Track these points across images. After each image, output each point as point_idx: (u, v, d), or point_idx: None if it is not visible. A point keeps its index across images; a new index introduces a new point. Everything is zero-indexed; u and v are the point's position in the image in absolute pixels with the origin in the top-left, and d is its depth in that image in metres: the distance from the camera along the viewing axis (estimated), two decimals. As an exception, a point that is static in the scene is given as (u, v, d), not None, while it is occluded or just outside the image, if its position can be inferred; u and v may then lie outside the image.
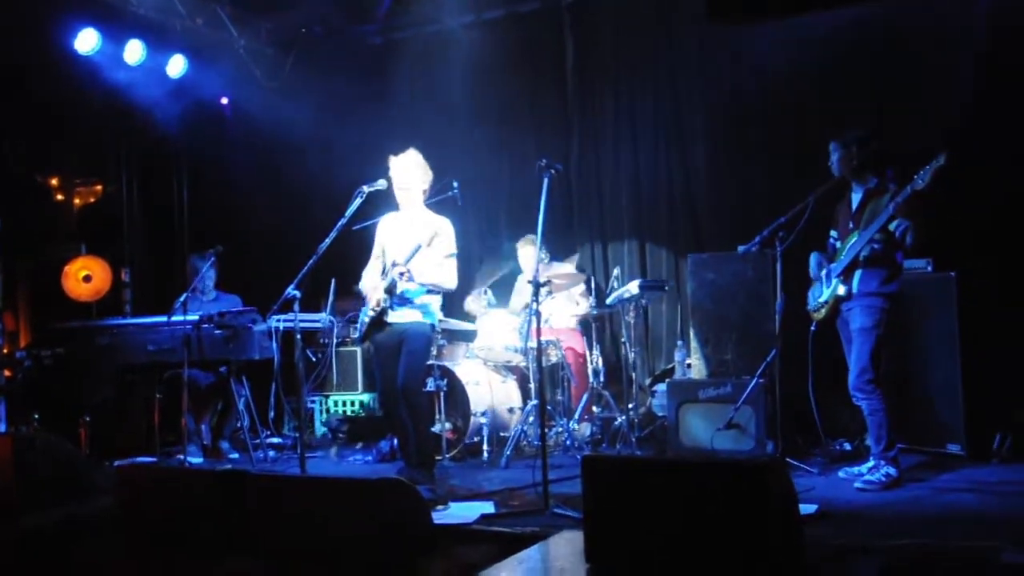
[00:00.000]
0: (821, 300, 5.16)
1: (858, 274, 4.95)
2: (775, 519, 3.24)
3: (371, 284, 5.42)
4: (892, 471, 4.87)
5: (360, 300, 7.47)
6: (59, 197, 9.03)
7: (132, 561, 4.29)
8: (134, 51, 7.42)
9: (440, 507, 4.68)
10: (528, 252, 6.82)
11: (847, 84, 6.44)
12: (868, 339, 4.90)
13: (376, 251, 5.50)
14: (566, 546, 3.76)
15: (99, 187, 9.04)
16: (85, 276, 8.00)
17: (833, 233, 5.21)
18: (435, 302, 5.40)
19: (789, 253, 4.85)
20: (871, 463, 4.98)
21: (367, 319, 5.31)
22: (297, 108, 8.13)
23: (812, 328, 5.26)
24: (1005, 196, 5.80)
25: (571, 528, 4.08)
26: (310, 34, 8.61)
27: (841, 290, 5.00)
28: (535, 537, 4.01)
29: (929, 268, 5.80)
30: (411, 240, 5.15)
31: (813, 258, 5.25)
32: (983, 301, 5.64)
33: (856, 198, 5.10)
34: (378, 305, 5.21)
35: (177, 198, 9.01)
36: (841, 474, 5.17)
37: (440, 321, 5.57)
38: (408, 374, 5.20)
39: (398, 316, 5.24)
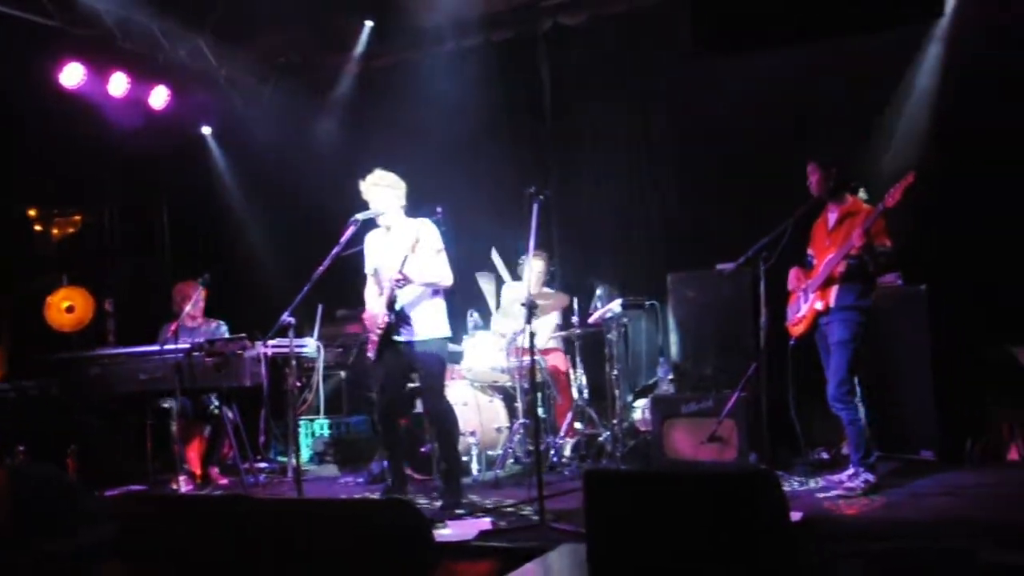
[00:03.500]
0: (799, 315, 5.36)
1: (835, 289, 5.15)
2: (770, 526, 3.41)
3: (373, 303, 5.55)
4: (871, 478, 5.07)
5: (343, 324, 7.66)
6: (37, 228, 9.06)
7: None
8: (118, 84, 7.51)
9: (439, 525, 4.80)
10: (537, 265, 6.98)
11: (820, 108, 6.64)
12: (846, 352, 5.09)
13: (368, 269, 5.64)
14: (567, 559, 3.89)
15: (78, 217, 9.07)
16: (68, 307, 8.01)
17: (810, 251, 5.42)
18: (437, 313, 5.48)
19: (770, 272, 5.04)
20: (850, 471, 5.17)
21: (376, 337, 5.42)
22: (277, 136, 8.27)
23: (791, 342, 5.45)
24: (971, 212, 6.05)
25: (569, 542, 4.22)
26: (289, 63, 8.75)
27: (819, 305, 5.20)
28: (534, 552, 4.12)
29: (899, 282, 6.03)
30: (398, 252, 5.30)
31: (792, 274, 5.45)
32: (952, 313, 5.89)
33: (832, 217, 5.31)
34: (384, 323, 5.33)
35: (159, 227, 9.07)
36: (822, 482, 5.35)
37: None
38: (431, 398, 5.46)
39: (405, 335, 5.36)
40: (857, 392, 5.14)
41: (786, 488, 5.24)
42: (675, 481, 3.66)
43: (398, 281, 5.22)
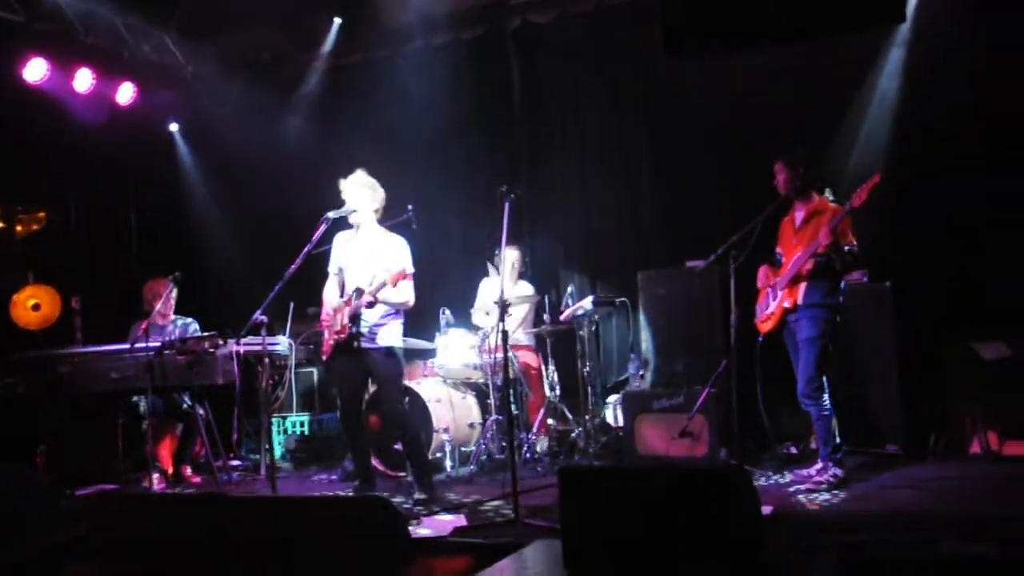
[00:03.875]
0: (768, 312, 5.45)
1: (803, 287, 5.24)
2: (743, 521, 3.48)
3: (332, 304, 5.58)
4: (839, 472, 5.18)
5: (313, 321, 7.64)
6: (1, 225, 8.93)
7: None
8: (83, 79, 7.43)
9: (413, 522, 4.83)
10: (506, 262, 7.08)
11: (788, 109, 6.74)
12: (814, 348, 5.18)
13: (332, 268, 5.67)
14: (542, 554, 3.92)
15: (42, 214, 8.95)
16: (34, 305, 7.92)
17: (779, 250, 5.51)
18: (397, 331, 5.58)
19: (739, 270, 5.12)
20: (819, 465, 5.27)
21: (333, 340, 5.46)
22: (246, 132, 8.22)
23: (760, 339, 5.54)
24: (935, 212, 6.19)
25: (544, 537, 4.27)
26: (257, 61, 8.70)
27: (787, 303, 5.29)
28: (510, 547, 4.16)
29: (865, 279, 6.15)
30: (372, 261, 5.39)
31: (761, 272, 5.55)
32: (916, 310, 6.03)
33: (799, 216, 5.39)
34: (344, 331, 5.37)
35: (125, 224, 8.99)
36: (791, 476, 5.46)
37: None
38: (389, 402, 5.55)
39: (365, 342, 5.41)
40: (825, 388, 5.22)
41: (756, 482, 5.32)
42: (649, 477, 3.73)
43: (369, 304, 5.29)
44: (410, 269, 5.42)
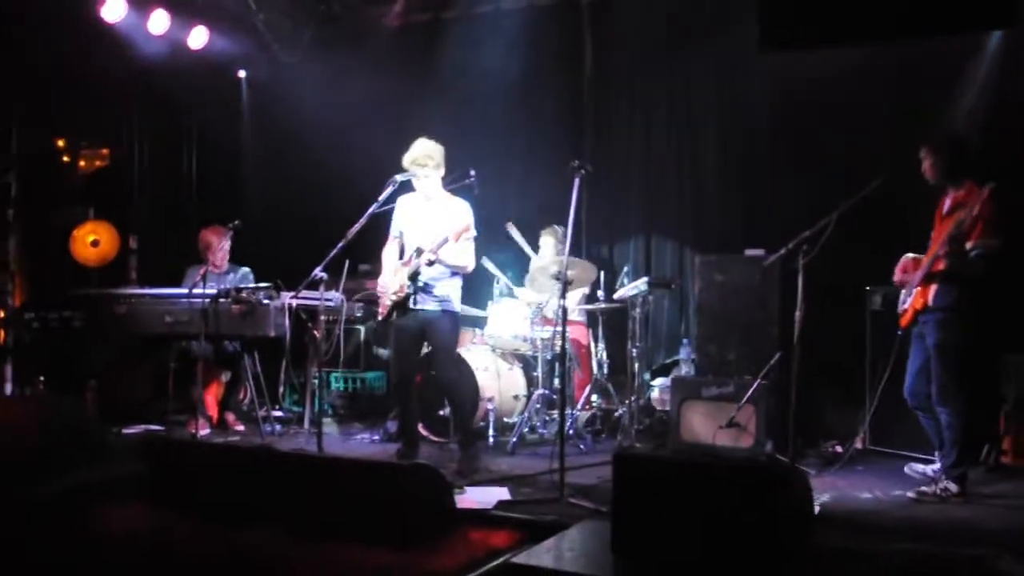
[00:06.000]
0: (902, 307, 5.09)
1: (933, 288, 4.89)
2: (795, 521, 3.45)
3: (391, 267, 5.58)
4: (952, 487, 4.89)
5: (363, 278, 7.66)
6: (65, 159, 9.04)
7: (159, 527, 4.39)
8: (159, 21, 7.45)
9: (457, 491, 4.84)
10: (548, 242, 7.05)
11: (870, 107, 6.55)
12: (944, 355, 4.87)
13: (394, 232, 5.66)
14: (590, 536, 3.93)
15: (105, 151, 9.04)
16: (93, 241, 8.05)
17: (933, 238, 5.08)
18: (456, 291, 5.56)
19: (808, 265, 4.92)
20: (934, 471, 5.03)
21: (389, 302, 5.47)
22: (313, 85, 8.22)
23: (898, 332, 5.18)
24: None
25: (589, 518, 4.27)
26: (327, 12, 8.65)
27: (919, 302, 4.97)
28: (555, 525, 4.16)
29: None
30: (434, 225, 5.37)
31: (900, 263, 5.17)
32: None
33: (947, 204, 5.00)
34: (402, 291, 5.37)
35: (187, 168, 9.07)
36: (907, 469, 5.28)
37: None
38: (446, 366, 5.56)
39: (422, 304, 5.41)
40: (959, 396, 4.87)
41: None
42: (705, 470, 3.69)
43: (430, 262, 5.27)
44: (473, 230, 5.39)
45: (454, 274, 5.53)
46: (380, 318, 5.67)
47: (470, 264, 5.53)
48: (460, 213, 5.46)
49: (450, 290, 5.51)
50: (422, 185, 5.50)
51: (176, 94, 8.39)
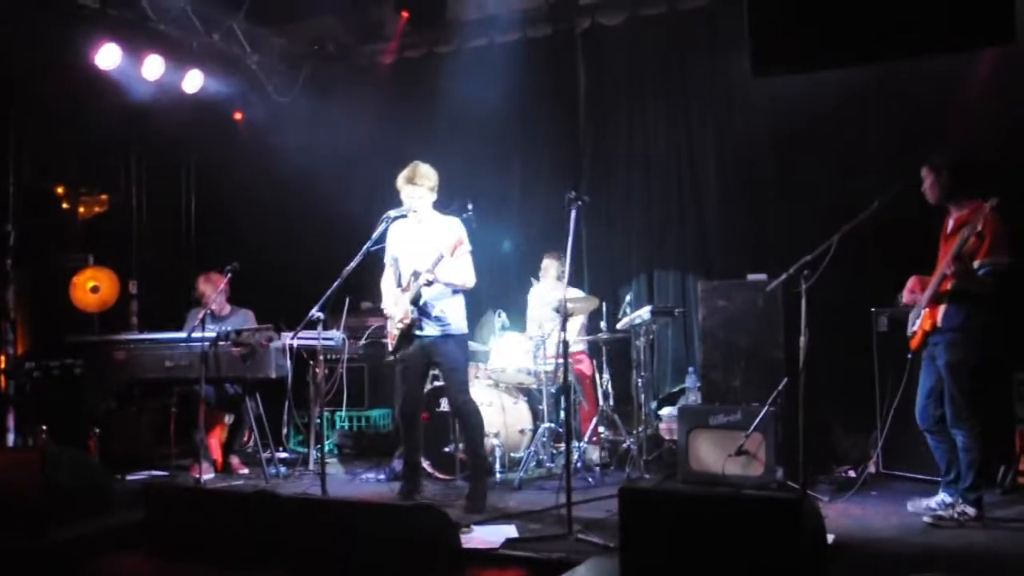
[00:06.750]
0: (911, 329, 5.02)
1: (942, 308, 4.82)
2: (808, 553, 3.36)
3: (391, 295, 5.54)
4: (970, 510, 4.80)
5: (366, 316, 7.62)
6: (64, 206, 9.04)
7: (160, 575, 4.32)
8: (153, 66, 7.47)
9: (464, 530, 4.76)
10: (551, 265, 7.01)
11: (869, 128, 6.55)
12: (956, 376, 4.79)
13: (388, 259, 5.62)
14: (599, 573, 3.84)
15: (104, 197, 9.05)
16: (93, 287, 8.02)
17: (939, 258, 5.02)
18: (457, 310, 5.50)
19: (810, 290, 4.86)
20: (944, 498, 4.91)
21: (396, 331, 5.42)
22: (308, 124, 8.23)
23: (909, 355, 5.11)
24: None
25: (597, 555, 4.18)
26: (322, 52, 8.69)
27: (928, 324, 4.90)
28: (563, 564, 4.08)
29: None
30: (426, 245, 5.33)
31: (908, 284, 5.12)
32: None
33: (950, 224, 4.95)
34: (407, 318, 5.32)
35: (185, 211, 9.07)
36: (910, 506, 5.11)
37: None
38: (457, 391, 5.47)
39: (426, 330, 5.37)
40: (976, 417, 4.79)
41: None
42: (714, 503, 3.61)
43: (429, 282, 5.22)
44: (467, 244, 5.35)
45: (455, 292, 5.47)
46: (390, 350, 5.56)
47: (469, 280, 5.46)
48: (452, 229, 5.40)
49: (450, 309, 5.44)
50: (415, 206, 5.44)
51: (172, 137, 8.41)
